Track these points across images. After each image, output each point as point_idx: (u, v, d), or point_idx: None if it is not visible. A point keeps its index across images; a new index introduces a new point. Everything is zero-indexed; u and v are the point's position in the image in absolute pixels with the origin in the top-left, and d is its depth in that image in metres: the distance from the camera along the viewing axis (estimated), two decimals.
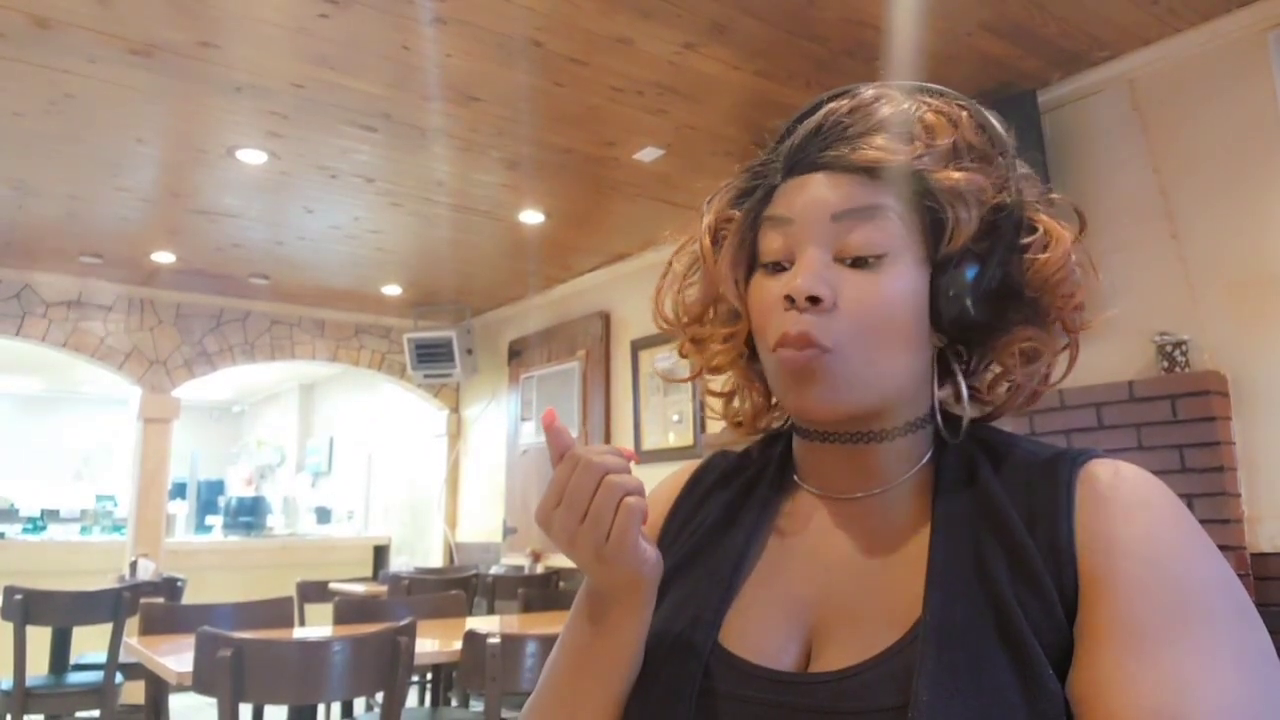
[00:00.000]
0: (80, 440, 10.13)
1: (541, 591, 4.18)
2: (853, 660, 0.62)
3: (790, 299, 0.65)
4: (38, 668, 3.74)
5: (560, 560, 5.49)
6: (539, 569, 5.55)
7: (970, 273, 0.66)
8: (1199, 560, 0.59)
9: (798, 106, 0.75)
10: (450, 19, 2.77)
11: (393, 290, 5.98)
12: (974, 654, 0.58)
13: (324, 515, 8.58)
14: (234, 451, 10.60)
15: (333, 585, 4.73)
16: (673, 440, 4.84)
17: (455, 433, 6.91)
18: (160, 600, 3.64)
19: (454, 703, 4.07)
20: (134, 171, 3.96)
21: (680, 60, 3.01)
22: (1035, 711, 0.56)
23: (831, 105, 0.71)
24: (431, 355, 6.22)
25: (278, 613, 3.20)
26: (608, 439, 5.32)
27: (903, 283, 0.65)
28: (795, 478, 0.76)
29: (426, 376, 6.36)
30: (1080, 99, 3.15)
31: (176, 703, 3.20)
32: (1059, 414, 2.92)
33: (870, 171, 0.66)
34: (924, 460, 0.71)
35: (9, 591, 3.58)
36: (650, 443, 5.00)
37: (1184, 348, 2.76)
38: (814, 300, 0.64)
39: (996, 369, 0.70)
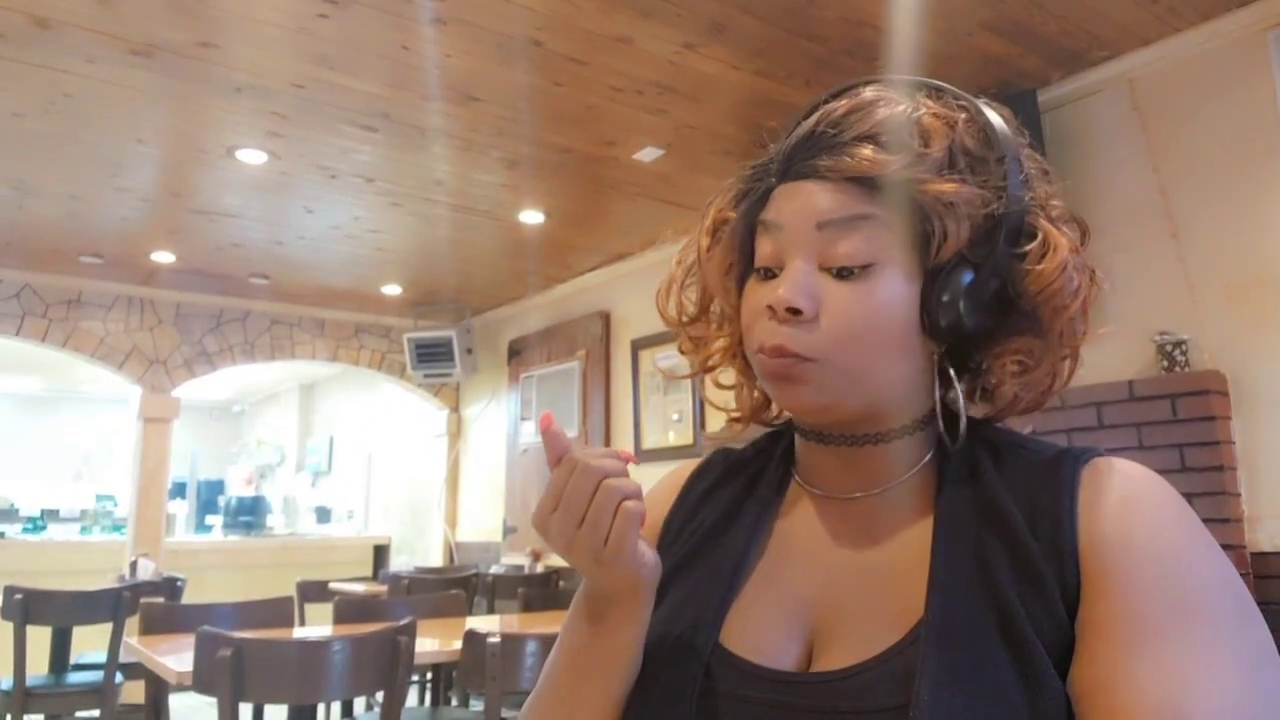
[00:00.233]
0: (80, 440, 10.12)
1: (541, 591, 4.18)
2: (854, 660, 0.62)
3: (772, 309, 0.65)
4: (38, 667, 3.74)
5: (560, 560, 5.48)
6: (539, 568, 5.55)
7: (965, 279, 0.65)
8: (1202, 558, 0.59)
9: (798, 106, 0.75)
10: (450, 19, 2.77)
11: (393, 290, 5.98)
12: (976, 654, 0.58)
13: (324, 515, 8.58)
14: (234, 451, 10.60)
15: (333, 585, 4.73)
16: (673, 439, 4.84)
17: (455, 432, 6.91)
18: (160, 600, 3.64)
19: (454, 702, 4.07)
20: (134, 171, 3.96)
21: (680, 60, 3.01)
22: (1037, 712, 0.56)
23: (828, 107, 0.70)
24: (431, 355, 6.22)
25: (278, 612, 3.20)
26: (608, 438, 5.32)
27: (889, 292, 0.64)
28: (796, 477, 0.76)
29: (426, 376, 6.36)
30: (1080, 98, 3.15)
31: (176, 702, 3.20)
32: (1059, 414, 2.92)
33: (859, 182, 0.65)
34: (925, 460, 0.70)
35: (9, 591, 3.58)
36: (650, 442, 5.01)
37: (1184, 347, 2.77)
38: (795, 312, 0.64)
39: (995, 376, 0.69)
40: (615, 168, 3.91)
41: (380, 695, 2.34)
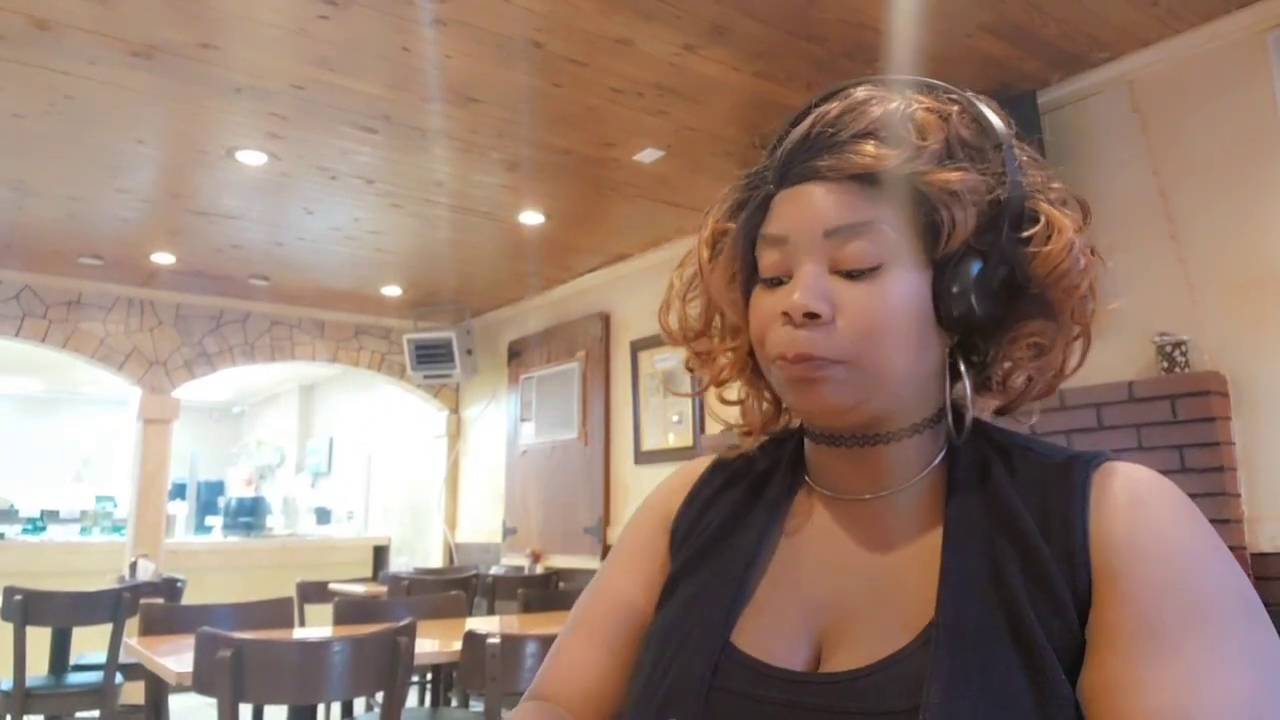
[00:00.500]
0: (80, 441, 10.12)
1: (541, 592, 4.18)
2: (864, 661, 0.62)
3: (788, 315, 0.65)
4: (38, 668, 3.73)
5: (560, 561, 5.50)
6: (539, 569, 5.55)
7: (974, 269, 0.65)
8: (1211, 563, 0.59)
9: (798, 108, 0.75)
10: (450, 20, 2.77)
11: (392, 291, 5.98)
12: (986, 657, 0.58)
13: (324, 516, 8.58)
14: (234, 452, 10.60)
15: (332, 586, 4.73)
16: (672, 440, 4.85)
17: (455, 433, 6.92)
18: (160, 601, 3.64)
19: (454, 703, 4.07)
20: (134, 173, 3.96)
21: (680, 61, 3.02)
22: (1046, 715, 0.56)
23: (821, 109, 0.70)
24: (431, 356, 6.22)
25: (277, 613, 3.20)
26: (607, 439, 5.33)
27: (901, 288, 0.64)
28: (806, 479, 0.76)
29: (426, 377, 6.37)
30: (1080, 100, 3.15)
31: (176, 703, 3.20)
32: (1059, 414, 2.92)
33: (861, 179, 0.65)
34: (936, 461, 0.70)
35: (9, 592, 3.58)
36: (650, 443, 5.01)
37: (1184, 348, 2.77)
38: (811, 316, 0.64)
39: (1008, 363, 0.69)
40: (615, 169, 3.92)
41: (380, 696, 2.34)
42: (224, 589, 5.43)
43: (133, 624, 3.27)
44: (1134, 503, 0.61)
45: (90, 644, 4.27)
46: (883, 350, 0.64)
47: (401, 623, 2.34)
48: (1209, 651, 0.55)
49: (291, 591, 4.11)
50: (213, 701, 2.11)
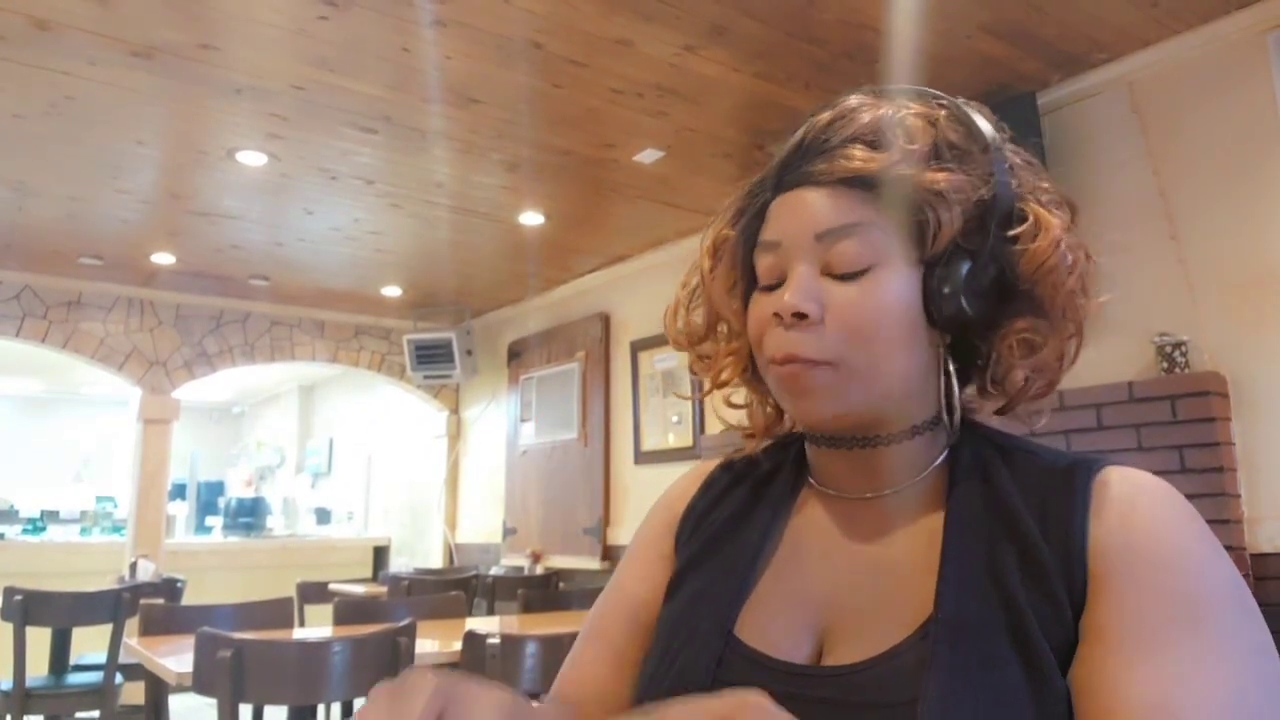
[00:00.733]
0: (80, 441, 10.12)
1: (541, 592, 4.18)
2: (864, 655, 0.63)
3: (779, 316, 0.66)
4: (38, 668, 3.74)
5: (560, 561, 5.50)
6: (539, 570, 5.55)
7: (964, 269, 0.66)
8: (1208, 566, 0.59)
9: (798, 109, 0.76)
10: (450, 21, 2.77)
11: (392, 292, 5.98)
12: (984, 652, 0.59)
13: (324, 516, 8.58)
14: (234, 453, 10.59)
15: (332, 586, 4.73)
16: (672, 441, 4.85)
17: (455, 434, 6.92)
18: (160, 601, 3.64)
19: None
20: (134, 173, 3.96)
21: (680, 62, 3.02)
22: (1043, 710, 0.57)
23: (811, 120, 0.72)
24: (431, 356, 6.22)
25: (277, 613, 3.20)
26: (607, 439, 5.33)
27: (892, 288, 0.66)
28: (810, 479, 0.77)
29: (426, 378, 6.37)
30: (1079, 101, 3.15)
31: (176, 703, 3.19)
32: (1059, 414, 2.92)
33: (851, 183, 0.67)
34: (938, 462, 0.71)
35: (9, 592, 3.58)
36: (650, 443, 5.01)
37: (1183, 348, 2.77)
38: (801, 316, 0.65)
39: (1004, 362, 0.70)
40: (615, 170, 3.92)
41: None
42: (224, 589, 5.42)
43: (133, 624, 3.27)
44: (1133, 506, 0.62)
45: (90, 644, 4.27)
46: (871, 350, 0.65)
47: (401, 623, 2.34)
48: (1199, 651, 0.55)
49: (291, 592, 4.11)
50: (213, 702, 2.11)
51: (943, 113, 0.71)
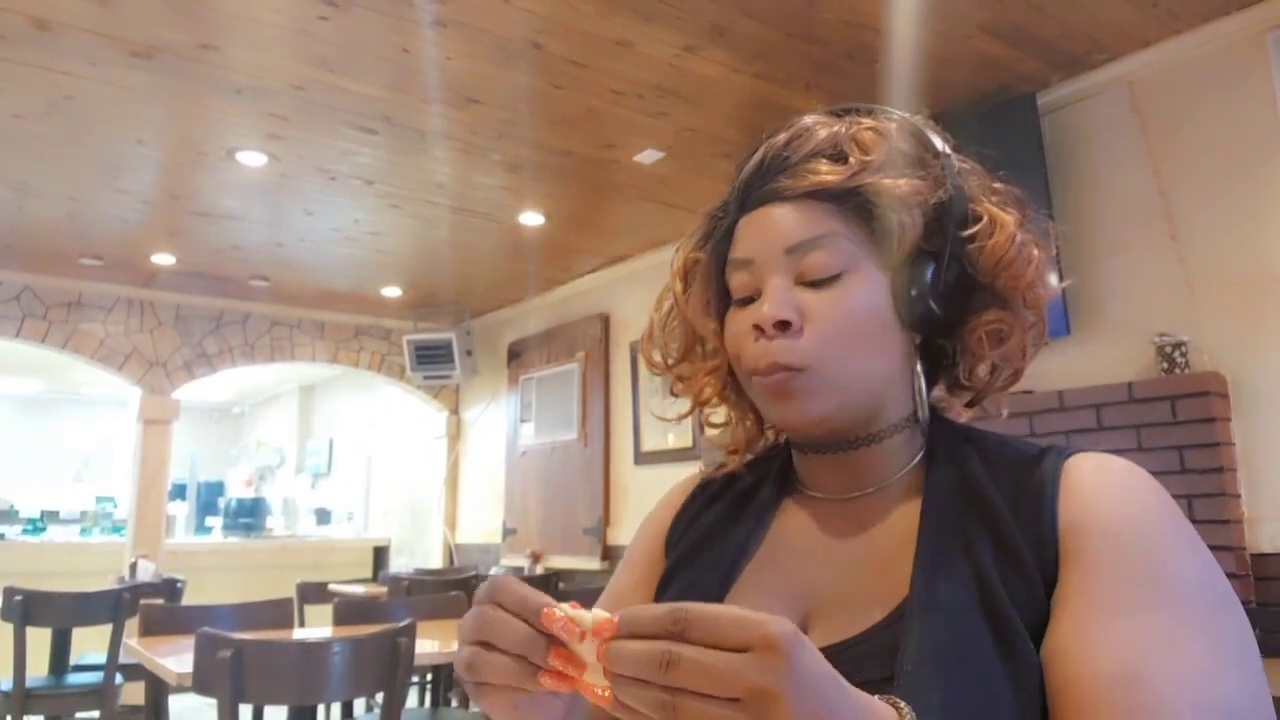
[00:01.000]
0: (80, 442, 10.12)
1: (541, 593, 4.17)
2: (841, 637, 0.65)
3: (760, 328, 0.69)
4: (38, 669, 3.73)
5: (560, 562, 5.50)
6: (539, 570, 5.55)
7: (928, 270, 0.70)
8: (1173, 540, 0.61)
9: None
10: (450, 21, 2.77)
11: (392, 292, 5.98)
12: (958, 629, 0.60)
13: (324, 516, 8.58)
14: (234, 453, 10.60)
15: (332, 586, 4.73)
16: (672, 441, 4.84)
17: (455, 434, 6.92)
18: (160, 601, 3.64)
19: (454, 703, 4.07)
20: (134, 173, 3.96)
21: (680, 63, 3.02)
22: (1016, 684, 0.58)
23: (769, 141, 0.75)
24: (431, 357, 6.22)
25: (277, 614, 3.20)
26: (607, 440, 5.33)
27: (862, 293, 0.69)
28: (796, 484, 0.80)
29: (426, 378, 6.37)
30: (1080, 101, 3.15)
31: (176, 704, 3.20)
32: (1058, 415, 2.92)
33: (814, 195, 0.70)
34: (917, 458, 0.74)
35: (9, 593, 3.58)
36: (650, 444, 5.01)
37: (1183, 349, 2.77)
38: (782, 326, 0.68)
39: (967, 353, 0.74)
40: (616, 170, 3.92)
41: (380, 697, 2.34)
42: (224, 589, 5.42)
43: (133, 624, 3.27)
44: (1102, 486, 0.64)
45: (90, 644, 4.27)
46: (849, 352, 0.69)
47: (401, 623, 2.34)
48: (1165, 622, 0.57)
49: (291, 592, 4.10)
50: (213, 702, 2.11)
51: (893, 125, 0.74)
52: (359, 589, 4.85)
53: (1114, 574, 0.59)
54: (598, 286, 5.56)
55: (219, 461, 10.24)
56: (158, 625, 2.98)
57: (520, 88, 3.19)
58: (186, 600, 4.40)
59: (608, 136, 3.59)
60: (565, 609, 0.50)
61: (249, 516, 8.07)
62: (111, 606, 3.68)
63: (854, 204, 0.70)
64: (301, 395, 9.81)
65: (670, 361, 0.82)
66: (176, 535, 7.99)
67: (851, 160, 0.70)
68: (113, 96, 3.24)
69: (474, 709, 3.67)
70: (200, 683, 2.17)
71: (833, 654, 0.63)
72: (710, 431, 0.83)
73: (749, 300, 0.72)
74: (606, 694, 0.47)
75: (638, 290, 5.24)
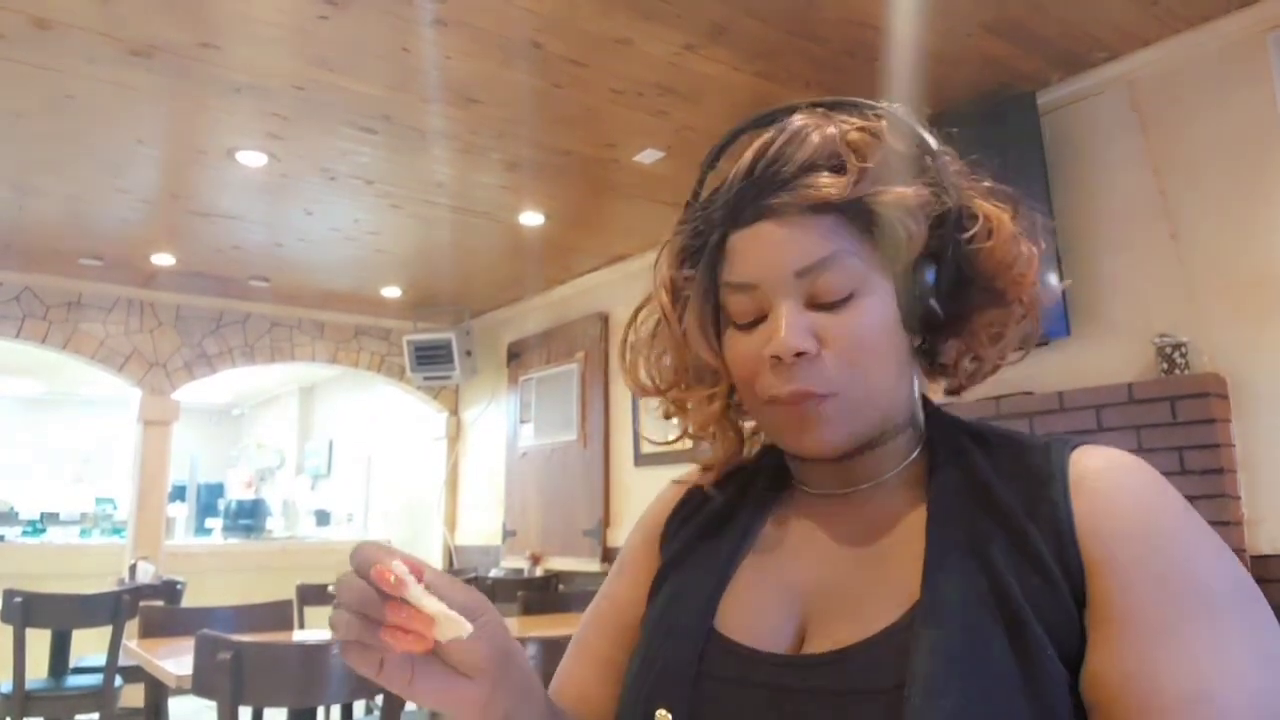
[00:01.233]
0: (80, 443, 10.12)
1: (541, 594, 4.17)
2: (849, 641, 0.63)
3: (778, 358, 0.66)
4: (37, 670, 3.73)
5: (559, 563, 5.49)
6: (538, 571, 5.55)
7: (929, 275, 0.68)
8: (1197, 540, 0.61)
9: None
10: (450, 21, 2.77)
11: (392, 292, 5.98)
12: (972, 634, 0.59)
13: (323, 518, 8.57)
14: (234, 454, 10.59)
15: (332, 588, 4.70)
16: (671, 444, 4.83)
17: (454, 435, 6.91)
18: (160, 603, 3.64)
19: None
20: (134, 173, 3.96)
21: (680, 62, 3.01)
22: (1033, 690, 0.56)
23: (759, 142, 0.71)
24: (431, 357, 6.22)
25: (277, 615, 3.19)
26: (607, 441, 5.32)
27: (876, 309, 0.67)
28: (791, 478, 0.78)
29: (426, 379, 6.36)
30: (1080, 100, 3.15)
31: (176, 706, 3.19)
32: (1059, 416, 2.91)
33: (816, 209, 0.66)
34: (915, 453, 0.73)
35: (9, 594, 3.58)
36: (649, 446, 4.97)
37: (1183, 350, 2.76)
38: (800, 354, 0.65)
39: (960, 346, 0.72)
40: (616, 170, 3.91)
41: (380, 699, 2.34)
42: (224, 591, 5.41)
43: (132, 626, 3.27)
44: (1118, 486, 0.62)
45: (90, 646, 4.26)
46: (871, 373, 0.67)
47: None
48: (1212, 632, 0.56)
49: (291, 594, 4.09)
50: (212, 704, 2.10)
51: (883, 124, 0.70)
52: None
53: (1156, 589, 0.58)
54: (597, 286, 5.56)
55: (219, 463, 10.24)
56: (157, 627, 2.98)
57: (520, 87, 3.19)
58: (186, 602, 4.39)
59: (608, 136, 3.58)
60: (396, 565, 0.54)
61: (249, 518, 8.07)
62: (111, 608, 3.67)
63: (856, 214, 0.66)
64: (301, 396, 9.81)
65: (662, 385, 0.78)
66: (176, 537, 7.98)
67: (850, 169, 0.66)
68: (113, 96, 3.23)
69: None
70: (200, 685, 2.17)
71: (840, 659, 0.62)
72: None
73: (751, 323, 0.69)
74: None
75: (637, 290, 5.11)
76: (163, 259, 5.21)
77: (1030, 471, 0.65)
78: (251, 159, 3.78)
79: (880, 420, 0.69)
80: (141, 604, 3.21)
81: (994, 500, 0.65)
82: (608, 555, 5.15)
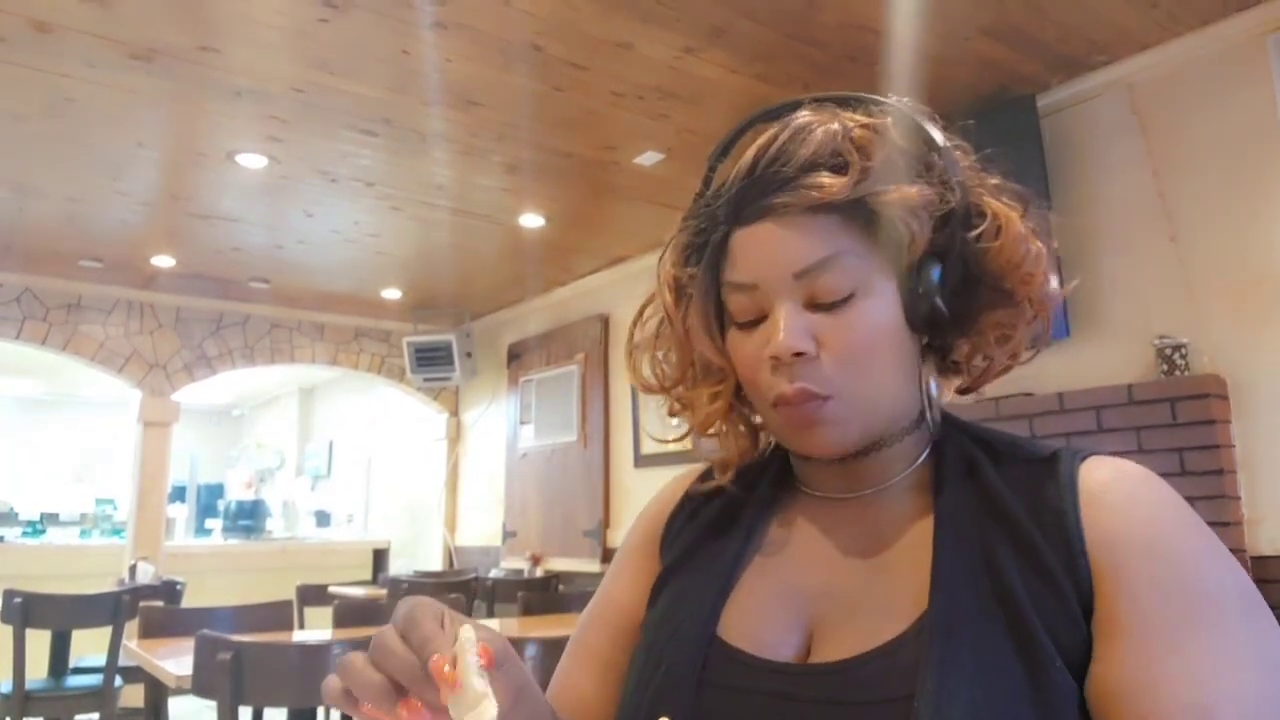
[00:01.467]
0: (80, 443, 10.12)
1: (541, 595, 4.18)
2: (856, 651, 0.63)
3: (776, 359, 0.65)
4: (37, 671, 3.73)
5: (560, 564, 5.50)
6: (538, 572, 5.55)
7: (935, 274, 0.67)
8: (1207, 555, 0.60)
9: None
10: (450, 23, 2.78)
11: (392, 294, 5.98)
12: (981, 646, 0.58)
13: (323, 519, 8.57)
14: (233, 455, 10.59)
15: (332, 588, 4.72)
16: (671, 444, 4.83)
17: (454, 436, 6.91)
18: (160, 603, 3.63)
19: None
20: (134, 175, 3.96)
21: (680, 65, 3.02)
22: (1042, 702, 0.56)
23: (762, 140, 0.70)
24: (431, 359, 6.22)
25: (277, 616, 3.20)
26: (607, 442, 5.32)
27: (877, 310, 0.66)
28: (795, 481, 0.77)
29: (426, 380, 6.36)
30: (1079, 103, 3.15)
31: (176, 706, 3.19)
32: (1059, 417, 2.92)
33: (817, 209, 0.65)
34: (922, 458, 0.72)
35: (9, 595, 3.58)
36: (649, 446, 5.00)
37: (1183, 351, 2.77)
38: (799, 355, 0.65)
39: (969, 346, 0.71)
40: (616, 172, 3.92)
41: None
42: (224, 592, 5.41)
43: (132, 627, 3.27)
44: (1128, 498, 0.62)
45: (90, 647, 4.26)
46: (871, 374, 0.66)
47: None
48: (1218, 645, 0.56)
49: (291, 594, 4.10)
50: (212, 704, 2.11)
51: (889, 120, 0.69)
52: (359, 591, 4.84)
53: (1162, 601, 0.57)
54: (597, 288, 5.56)
55: (219, 464, 10.23)
56: (157, 627, 2.98)
57: (520, 89, 3.19)
58: (186, 602, 4.39)
59: (608, 138, 3.59)
60: (465, 659, 0.51)
61: (249, 519, 8.06)
62: (111, 608, 3.68)
63: (860, 215, 0.65)
64: (301, 397, 9.81)
65: (666, 383, 0.78)
66: (176, 537, 7.98)
67: (853, 168, 0.65)
68: (113, 98, 3.24)
69: None
70: (200, 685, 2.17)
71: (847, 669, 0.62)
72: (706, 441, 0.81)
73: (753, 322, 0.68)
74: None
75: (638, 292, 5.14)
76: (163, 261, 5.21)
77: (1039, 481, 0.65)
78: (251, 161, 3.78)
79: (884, 422, 0.68)
80: (141, 604, 3.21)
81: (1002, 509, 0.64)
82: (608, 556, 5.15)
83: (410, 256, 5.20)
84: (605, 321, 5.47)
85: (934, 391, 0.71)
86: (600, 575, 5.21)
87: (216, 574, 6.37)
